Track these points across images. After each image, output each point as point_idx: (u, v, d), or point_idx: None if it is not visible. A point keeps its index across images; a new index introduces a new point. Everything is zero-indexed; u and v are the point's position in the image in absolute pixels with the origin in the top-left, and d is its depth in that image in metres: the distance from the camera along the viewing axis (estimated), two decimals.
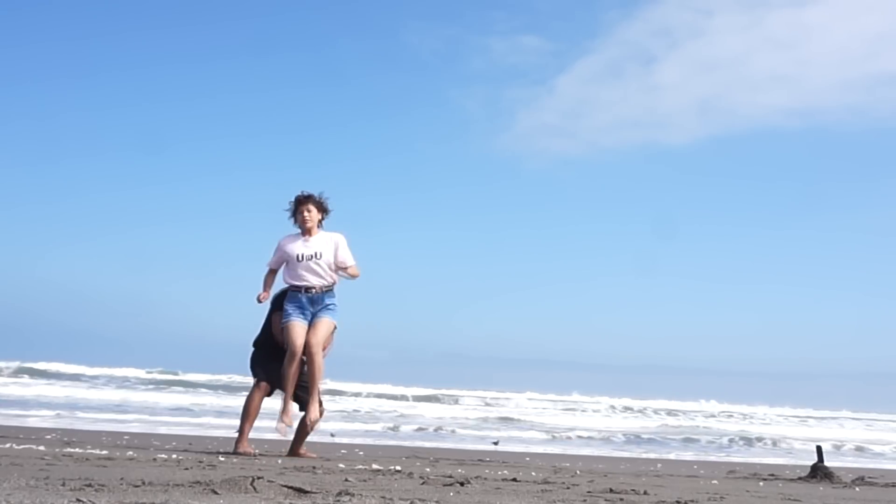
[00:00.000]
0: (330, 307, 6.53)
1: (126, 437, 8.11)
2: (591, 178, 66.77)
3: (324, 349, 6.48)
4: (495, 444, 11.83)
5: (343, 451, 7.83)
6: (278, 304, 6.56)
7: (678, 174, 65.01)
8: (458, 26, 65.34)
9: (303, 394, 6.55)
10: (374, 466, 5.48)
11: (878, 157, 62.75)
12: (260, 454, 6.34)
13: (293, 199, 6.67)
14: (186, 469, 4.56)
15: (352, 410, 19.95)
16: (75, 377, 28.40)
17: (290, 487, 3.53)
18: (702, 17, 61.03)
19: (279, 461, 5.74)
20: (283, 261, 6.60)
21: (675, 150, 64.04)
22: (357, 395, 28.34)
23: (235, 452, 6.26)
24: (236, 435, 6.55)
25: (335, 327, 6.57)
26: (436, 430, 14.60)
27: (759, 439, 17.31)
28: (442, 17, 64.87)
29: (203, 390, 24.97)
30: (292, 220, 6.69)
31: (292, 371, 6.36)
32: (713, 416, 28.14)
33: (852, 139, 61.30)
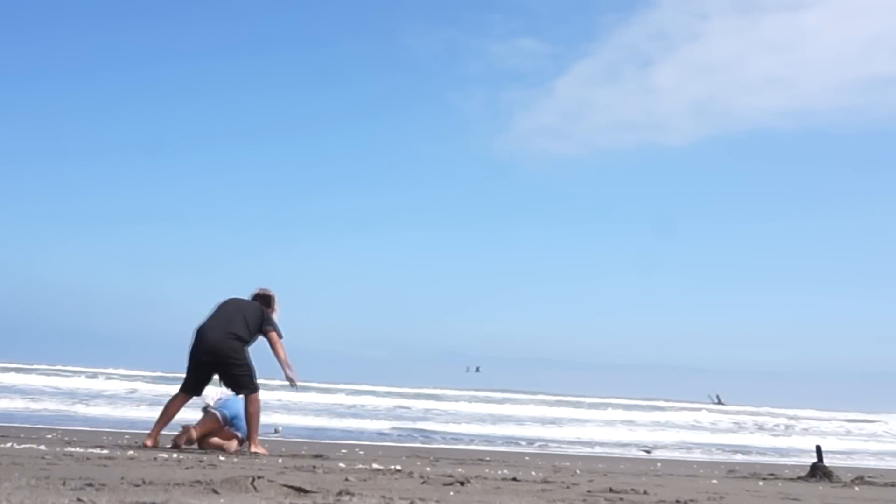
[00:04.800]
0: None
1: (126, 437, 8.11)
2: (590, 179, 66.94)
3: None
4: (647, 451, 11.77)
5: (343, 450, 7.84)
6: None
7: (676, 175, 65.21)
8: (455, 29, 65.53)
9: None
10: (375, 466, 5.49)
11: (874, 158, 62.88)
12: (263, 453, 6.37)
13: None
14: (187, 468, 4.56)
15: (392, 408, 19.95)
16: (75, 373, 28.43)
17: (291, 487, 3.54)
18: (698, 21, 61.28)
19: (279, 461, 5.75)
20: None
21: (673, 151, 64.26)
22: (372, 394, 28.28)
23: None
24: (240, 435, 6.84)
25: None
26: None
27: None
28: (439, 20, 65.08)
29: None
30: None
31: None
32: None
33: (848, 141, 61.45)
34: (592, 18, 64.45)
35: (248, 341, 6.88)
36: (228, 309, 6.95)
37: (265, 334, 6.93)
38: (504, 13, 64.00)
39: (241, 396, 6.82)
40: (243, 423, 6.89)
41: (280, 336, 7.01)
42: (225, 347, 6.73)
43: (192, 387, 6.88)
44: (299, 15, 61.24)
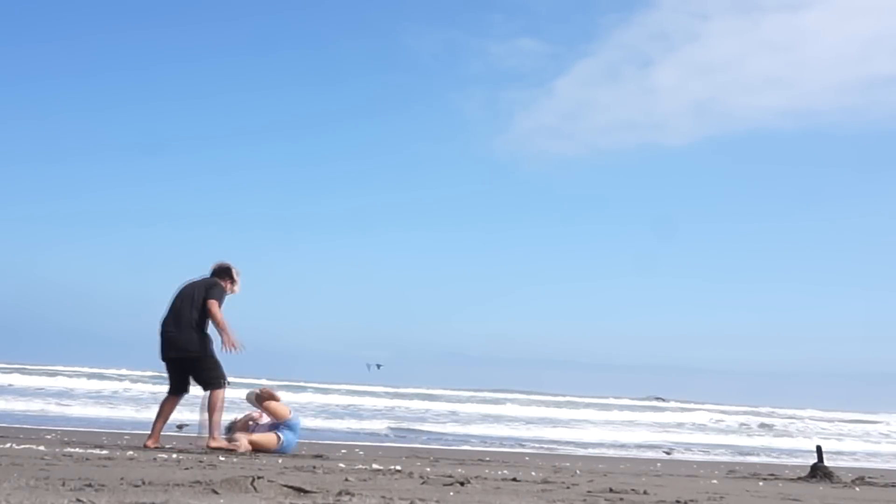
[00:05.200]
0: None
1: (126, 437, 8.11)
2: (590, 179, 66.95)
3: None
4: (668, 453, 11.77)
5: (343, 450, 7.83)
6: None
7: (676, 175, 65.22)
8: (455, 29, 65.49)
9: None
10: (375, 466, 5.48)
11: (873, 158, 62.94)
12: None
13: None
14: (187, 469, 4.55)
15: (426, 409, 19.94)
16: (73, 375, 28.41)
17: (291, 487, 3.53)
18: (698, 21, 61.36)
19: (279, 461, 5.74)
20: None
21: (673, 151, 64.32)
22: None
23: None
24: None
25: None
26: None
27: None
28: (439, 20, 65.06)
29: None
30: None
31: None
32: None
33: (848, 141, 61.52)
34: (592, 18, 64.48)
35: (204, 324, 6.80)
36: (179, 298, 6.87)
37: (205, 305, 6.74)
38: (504, 13, 63.95)
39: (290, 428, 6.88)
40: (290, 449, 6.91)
41: (219, 304, 6.77)
42: (182, 341, 6.70)
43: (176, 387, 6.84)
44: (299, 15, 61.20)
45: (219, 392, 6.70)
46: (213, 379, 6.71)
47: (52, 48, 58.73)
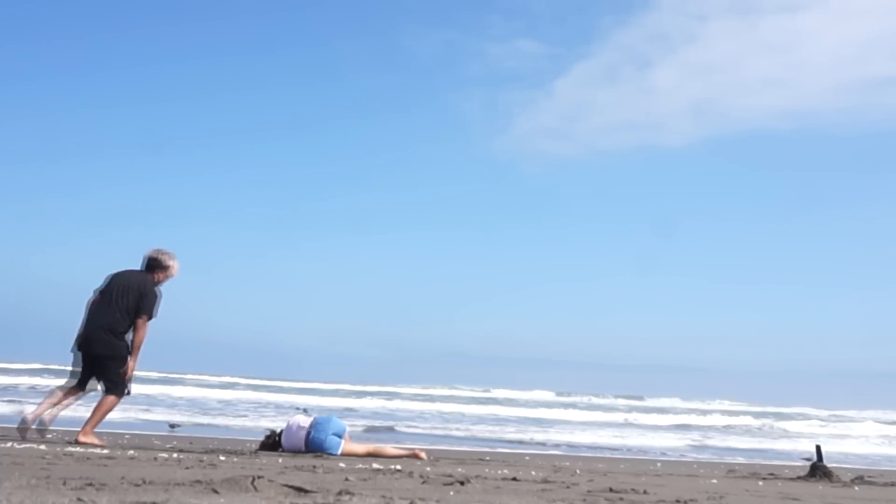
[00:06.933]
0: None
1: (127, 437, 8.11)
2: (589, 180, 66.93)
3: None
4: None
5: None
6: None
7: (675, 175, 65.23)
8: (454, 30, 65.44)
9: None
10: (375, 466, 5.49)
11: (871, 159, 62.90)
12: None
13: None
14: (187, 468, 4.56)
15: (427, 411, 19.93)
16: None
17: (291, 487, 3.54)
18: (696, 23, 61.35)
19: (279, 460, 5.75)
20: None
21: (671, 151, 64.33)
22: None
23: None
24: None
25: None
26: None
27: None
28: (438, 21, 65.02)
29: (202, 388, 25.00)
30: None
31: None
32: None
33: (846, 142, 61.48)
34: (591, 20, 64.50)
35: (126, 331, 6.82)
36: (111, 295, 6.82)
37: (137, 317, 6.77)
38: (503, 14, 63.89)
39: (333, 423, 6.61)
40: (330, 443, 6.51)
41: (150, 317, 6.82)
42: (105, 344, 6.75)
43: (83, 382, 6.87)
44: (299, 15, 61.17)
45: (117, 400, 6.81)
46: (119, 386, 6.80)
47: (51, 46, 58.71)
